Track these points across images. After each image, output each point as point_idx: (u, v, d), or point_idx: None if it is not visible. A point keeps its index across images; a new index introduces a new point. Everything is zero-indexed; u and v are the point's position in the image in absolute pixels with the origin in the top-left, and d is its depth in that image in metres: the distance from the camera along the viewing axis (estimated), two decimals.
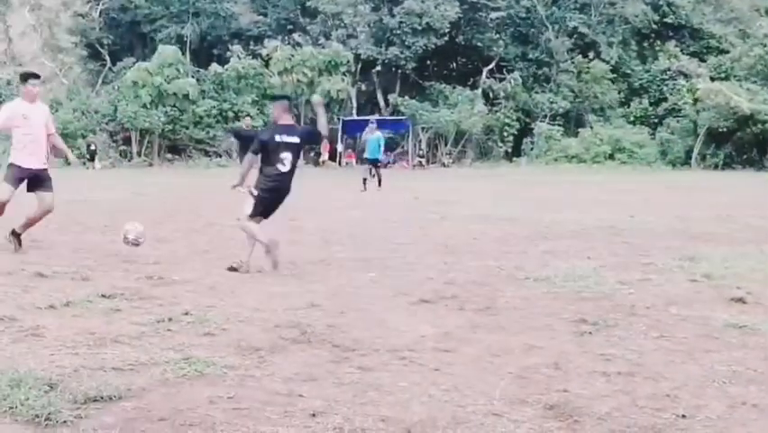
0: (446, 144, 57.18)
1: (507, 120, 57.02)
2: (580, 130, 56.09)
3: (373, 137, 28.75)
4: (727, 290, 8.79)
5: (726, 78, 55.37)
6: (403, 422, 4.58)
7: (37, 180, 10.97)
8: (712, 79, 54.67)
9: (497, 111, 57.28)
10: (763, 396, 5.18)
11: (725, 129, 50.99)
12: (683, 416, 4.79)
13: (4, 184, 10.96)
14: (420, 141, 56.98)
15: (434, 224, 16.22)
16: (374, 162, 28.44)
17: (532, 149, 55.63)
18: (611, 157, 53.15)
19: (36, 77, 11.63)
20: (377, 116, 51.32)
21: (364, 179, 27.55)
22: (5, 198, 10.82)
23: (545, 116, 56.86)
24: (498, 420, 4.66)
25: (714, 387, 5.39)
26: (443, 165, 55.51)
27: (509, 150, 57.27)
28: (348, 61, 55.54)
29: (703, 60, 59.31)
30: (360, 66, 57.99)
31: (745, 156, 53.15)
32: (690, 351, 6.31)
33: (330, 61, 54.72)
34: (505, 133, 57.14)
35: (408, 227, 15.49)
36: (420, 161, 55.10)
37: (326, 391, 5.14)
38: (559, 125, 56.32)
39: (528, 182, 33.86)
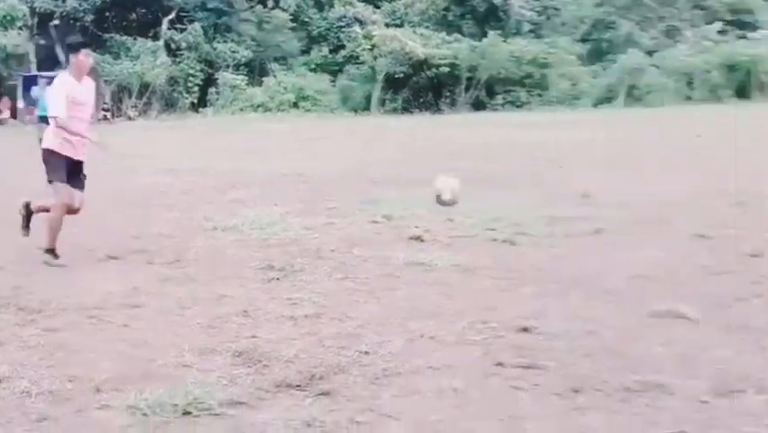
0: (131, 97, 55.83)
1: (190, 71, 56.25)
2: (264, 79, 56.20)
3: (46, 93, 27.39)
4: (406, 229, 9.24)
5: (401, 25, 57.03)
6: (92, 381, 4.56)
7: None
8: (387, 26, 56.18)
9: (180, 62, 56.45)
10: (440, 328, 5.53)
11: (401, 74, 52.40)
12: (366, 352, 5.05)
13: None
14: (104, 94, 55.41)
15: (122, 178, 15.89)
16: (47, 120, 26.98)
17: (218, 99, 55.24)
18: (296, 105, 53.54)
19: (86, 45, 9.25)
20: (58, 71, 49.36)
21: (40, 139, 26.39)
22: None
23: (228, 66, 56.58)
24: (188, 371, 4.73)
25: (395, 323, 5.69)
26: (129, 118, 54.21)
27: (195, 101, 56.57)
28: (24, 15, 53.09)
29: (378, 7, 60.76)
30: (37, 20, 55.49)
31: (421, 100, 54.98)
32: (373, 290, 6.62)
33: (5, 16, 52.13)
34: (189, 84, 56.35)
35: (95, 182, 15.11)
36: (105, 115, 53.61)
37: (12, 356, 5.03)
38: (243, 75, 56.26)
39: (215, 132, 33.77)
